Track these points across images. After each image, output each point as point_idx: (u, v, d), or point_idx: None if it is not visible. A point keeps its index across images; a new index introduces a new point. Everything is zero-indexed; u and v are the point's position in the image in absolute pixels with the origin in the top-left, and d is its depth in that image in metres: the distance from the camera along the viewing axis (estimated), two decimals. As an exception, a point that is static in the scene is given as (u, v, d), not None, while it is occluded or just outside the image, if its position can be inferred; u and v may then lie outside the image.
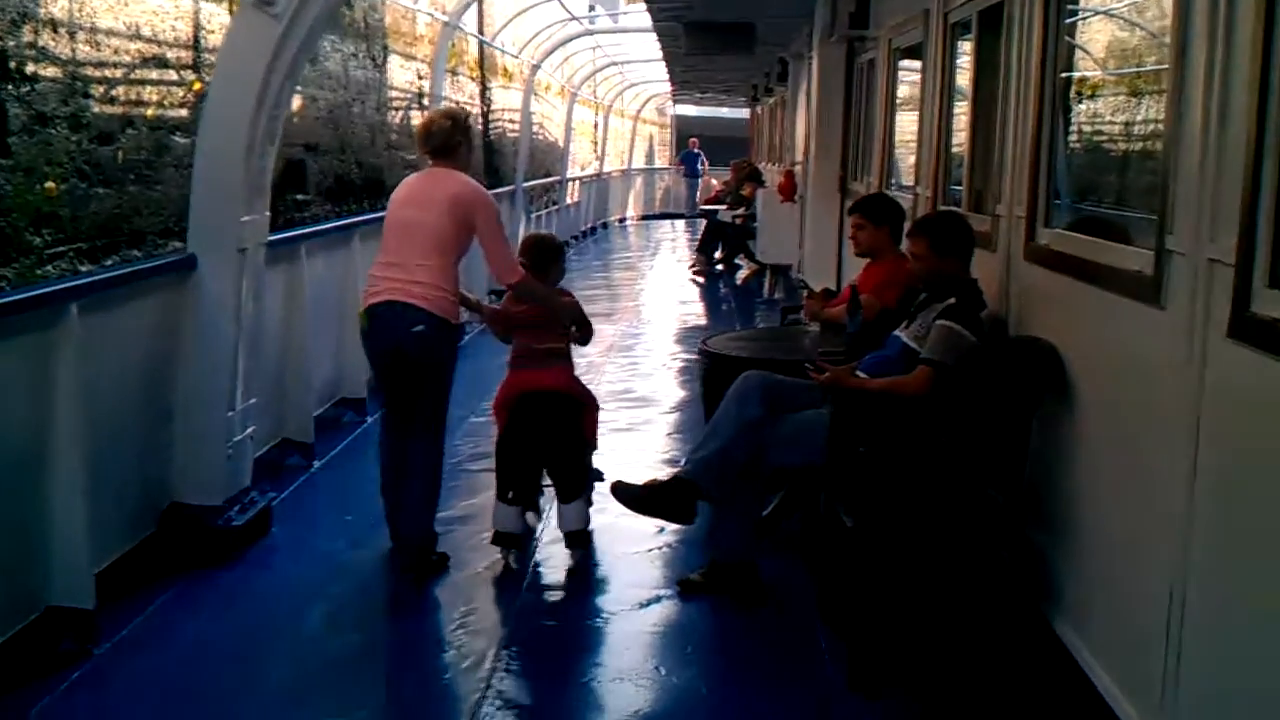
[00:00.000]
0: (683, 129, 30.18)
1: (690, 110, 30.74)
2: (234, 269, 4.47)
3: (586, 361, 8.66)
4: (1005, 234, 4.15)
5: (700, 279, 14.16)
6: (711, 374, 4.77)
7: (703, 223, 22.81)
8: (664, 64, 16.89)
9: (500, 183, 14.84)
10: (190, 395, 4.47)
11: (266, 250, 4.89)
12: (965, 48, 5.14)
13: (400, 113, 11.43)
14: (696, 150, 25.66)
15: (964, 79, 5.21)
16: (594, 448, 4.67)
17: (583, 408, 4.56)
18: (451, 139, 4.33)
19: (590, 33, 14.30)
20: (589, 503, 4.53)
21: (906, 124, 6.73)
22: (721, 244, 14.59)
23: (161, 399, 4.43)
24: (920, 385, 3.84)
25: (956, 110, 5.27)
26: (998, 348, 3.91)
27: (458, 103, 13.62)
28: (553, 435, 4.40)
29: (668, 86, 22.61)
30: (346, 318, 6.65)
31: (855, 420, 3.97)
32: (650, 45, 16.21)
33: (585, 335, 4.64)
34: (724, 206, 14.60)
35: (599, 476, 4.65)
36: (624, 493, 4.15)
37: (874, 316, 4.77)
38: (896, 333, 4.16)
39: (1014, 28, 4.10)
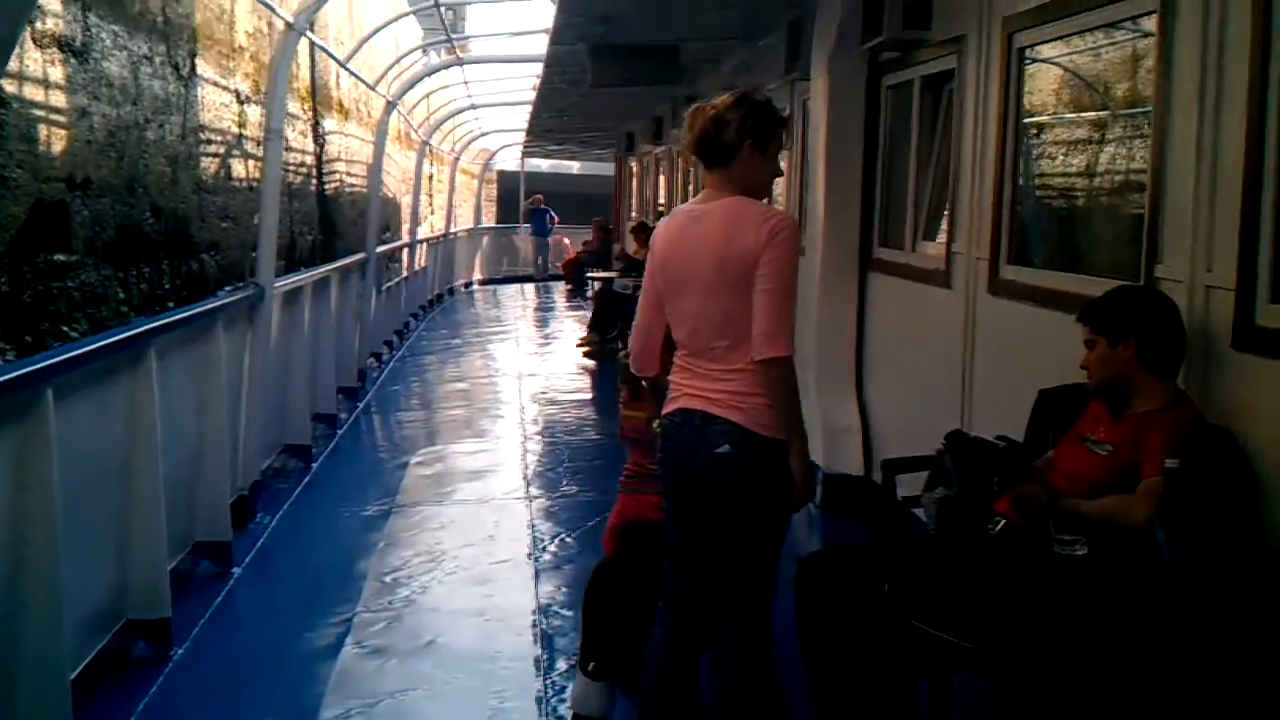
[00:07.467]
0: (510, 185, 27.86)
1: (513, 166, 28.34)
2: None
3: (448, 516, 5.88)
4: None
5: (592, 361, 11.59)
6: None
7: (559, 287, 20.48)
8: (530, 107, 14.35)
9: (337, 244, 11.90)
10: None
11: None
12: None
13: (217, 144, 8.43)
14: (543, 206, 23.25)
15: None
16: None
17: None
18: (721, 136, 2.85)
19: (460, 63, 11.57)
20: None
21: (1056, 162, 4.44)
22: (619, 320, 12.02)
23: None
24: None
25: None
26: None
27: (286, 141, 10.69)
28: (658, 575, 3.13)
29: (520, 136, 20.11)
30: (134, 495, 3.83)
31: None
32: (508, 87, 13.80)
33: None
34: (615, 274, 12.11)
35: None
36: None
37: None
38: None
39: None
